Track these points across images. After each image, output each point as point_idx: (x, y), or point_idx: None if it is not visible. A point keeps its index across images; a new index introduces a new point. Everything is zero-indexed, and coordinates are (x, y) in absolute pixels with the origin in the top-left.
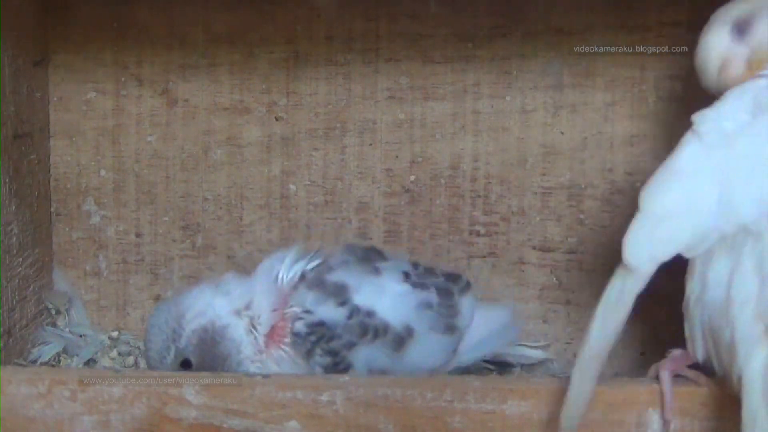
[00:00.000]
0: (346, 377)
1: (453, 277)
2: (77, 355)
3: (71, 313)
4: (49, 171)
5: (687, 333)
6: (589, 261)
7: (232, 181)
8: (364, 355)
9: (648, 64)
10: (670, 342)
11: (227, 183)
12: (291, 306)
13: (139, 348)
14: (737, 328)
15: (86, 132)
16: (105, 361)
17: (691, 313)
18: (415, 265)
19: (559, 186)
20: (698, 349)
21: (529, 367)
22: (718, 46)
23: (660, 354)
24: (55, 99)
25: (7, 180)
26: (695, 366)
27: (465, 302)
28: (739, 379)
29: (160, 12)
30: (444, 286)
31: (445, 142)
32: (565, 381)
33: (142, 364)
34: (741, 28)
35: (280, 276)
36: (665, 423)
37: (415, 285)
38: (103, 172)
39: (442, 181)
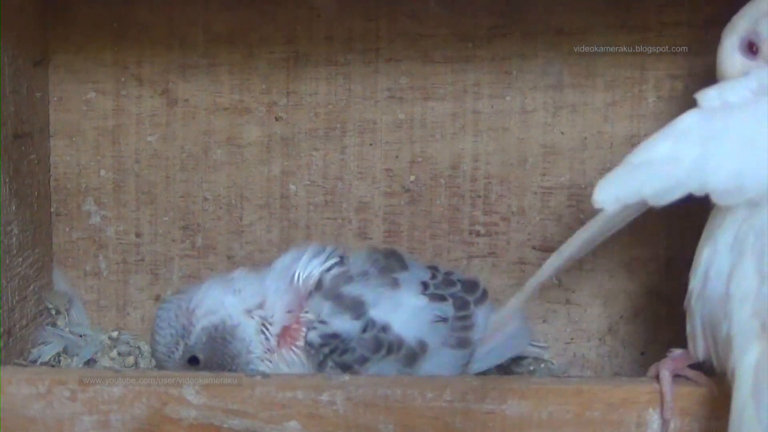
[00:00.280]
0: (346, 377)
1: (470, 285)
2: (77, 355)
3: (71, 313)
4: (49, 171)
5: (688, 331)
6: (589, 261)
7: (232, 181)
8: (375, 370)
9: (648, 64)
10: (671, 342)
11: (227, 183)
12: (306, 311)
13: (139, 348)
14: (734, 323)
15: (86, 132)
16: (105, 361)
17: (693, 309)
18: (434, 273)
19: (559, 186)
20: (699, 348)
21: (535, 361)
22: (731, 69)
23: (660, 354)
24: (55, 99)
25: (7, 180)
26: (696, 366)
27: (480, 313)
28: (733, 373)
29: (160, 12)
30: (461, 296)
31: (445, 142)
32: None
33: (142, 364)
34: (750, 47)
35: (296, 276)
36: (665, 422)
37: (432, 297)
38: (103, 172)
39: (442, 181)
